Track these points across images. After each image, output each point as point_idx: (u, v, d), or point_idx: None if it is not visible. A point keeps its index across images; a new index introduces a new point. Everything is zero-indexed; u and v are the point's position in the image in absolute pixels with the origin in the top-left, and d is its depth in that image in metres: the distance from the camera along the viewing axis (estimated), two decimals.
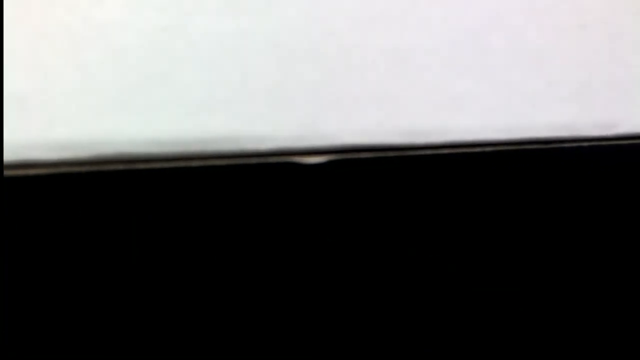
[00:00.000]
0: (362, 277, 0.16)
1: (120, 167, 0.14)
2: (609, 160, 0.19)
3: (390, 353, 0.17)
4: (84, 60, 0.16)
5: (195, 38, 0.16)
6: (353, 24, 0.19)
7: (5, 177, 0.13)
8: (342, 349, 0.17)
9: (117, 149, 0.14)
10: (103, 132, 0.15)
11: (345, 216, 0.16)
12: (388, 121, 0.17)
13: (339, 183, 0.16)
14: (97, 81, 0.16)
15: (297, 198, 0.15)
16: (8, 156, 0.13)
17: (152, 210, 0.14)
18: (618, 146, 0.19)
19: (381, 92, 0.18)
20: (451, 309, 0.18)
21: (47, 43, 0.16)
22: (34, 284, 0.13)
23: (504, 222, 0.18)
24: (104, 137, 0.14)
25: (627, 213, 0.20)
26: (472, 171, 0.17)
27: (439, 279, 0.17)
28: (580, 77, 0.21)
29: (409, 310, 0.17)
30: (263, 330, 0.16)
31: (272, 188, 0.15)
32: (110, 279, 0.14)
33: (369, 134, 0.16)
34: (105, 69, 0.16)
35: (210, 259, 0.15)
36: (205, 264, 0.15)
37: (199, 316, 0.15)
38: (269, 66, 0.17)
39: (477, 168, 0.17)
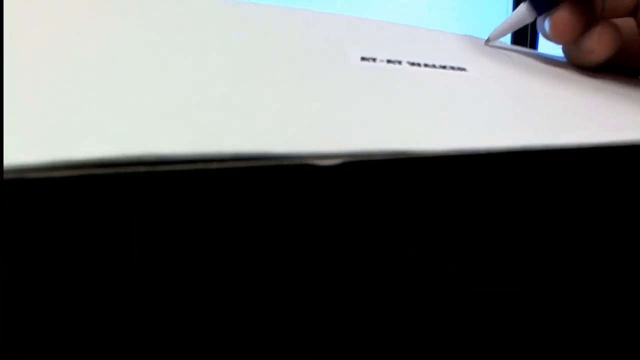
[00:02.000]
0: (375, 272, 0.16)
1: (142, 169, 0.14)
2: (605, 162, 0.20)
3: (397, 352, 0.17)
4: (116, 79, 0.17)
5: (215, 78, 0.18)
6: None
7: (39, 178, 0.13)
8: (354, 349, 0.17)
9: (137, 151, 0.14)
10: (126, 134, 0.15)
11: (358, 214, 0.16)
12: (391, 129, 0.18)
13: (352, 183, 0.16)
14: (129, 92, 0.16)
15: (313, 198, 0.16)
16: (47, 156, 0.13)
17: (169, 211, 0.14)
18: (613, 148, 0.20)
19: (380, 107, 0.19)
20: (459, 308, 0.18)
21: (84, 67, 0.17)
22: (56, 284, 0.13)
23: (525, 221, 0.18)
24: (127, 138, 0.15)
25: (625, 214, 0.20)
26: (479, 172, 0.18)
27: (448, 275, 0.18)
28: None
29: (422, 308, 0.17)
30: (281, 329, 0.16)
31: (289, 189, 0.15)
32: (139, 279, 0.14)
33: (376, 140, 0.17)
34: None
35: (230, 257, 0.15)
36: (226, 261, 0.15)
37: (222, 317, 0.15)
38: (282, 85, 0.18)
39: (485, 169, 0.18)
